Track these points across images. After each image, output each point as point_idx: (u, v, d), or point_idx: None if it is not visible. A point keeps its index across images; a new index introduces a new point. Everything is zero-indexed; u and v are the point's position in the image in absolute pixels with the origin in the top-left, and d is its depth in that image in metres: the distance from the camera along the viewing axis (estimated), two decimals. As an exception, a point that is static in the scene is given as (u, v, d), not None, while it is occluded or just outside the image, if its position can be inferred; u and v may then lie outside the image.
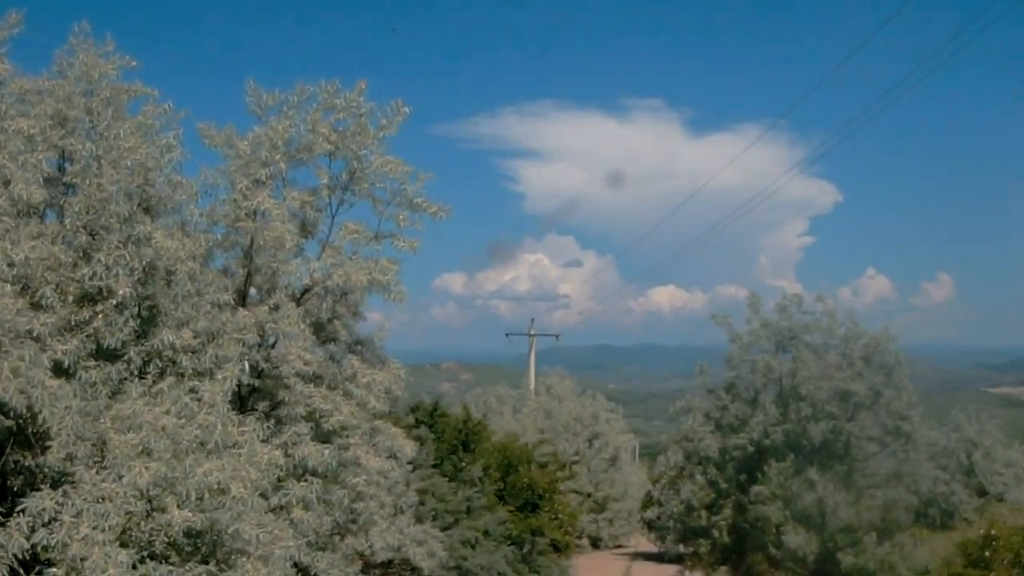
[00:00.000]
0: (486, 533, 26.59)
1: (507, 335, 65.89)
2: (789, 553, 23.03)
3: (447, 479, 25.98)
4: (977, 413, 42.53)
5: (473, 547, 24.95)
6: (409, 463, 19.69)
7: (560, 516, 33.17)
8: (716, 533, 24.71)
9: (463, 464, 27.65)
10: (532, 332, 65.14)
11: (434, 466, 25.94)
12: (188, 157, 12.60)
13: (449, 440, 28.92)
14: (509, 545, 26.76)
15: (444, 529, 22.41)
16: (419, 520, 20.45)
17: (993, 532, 23.27)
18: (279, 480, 11.74)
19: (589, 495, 48.92)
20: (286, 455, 11.95)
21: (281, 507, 11.90)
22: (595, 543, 49.63)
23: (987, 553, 22.96)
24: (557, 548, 31.84)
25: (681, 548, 39.03)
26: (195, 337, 11.17)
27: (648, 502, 44.51)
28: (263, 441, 11.09)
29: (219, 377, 10.76)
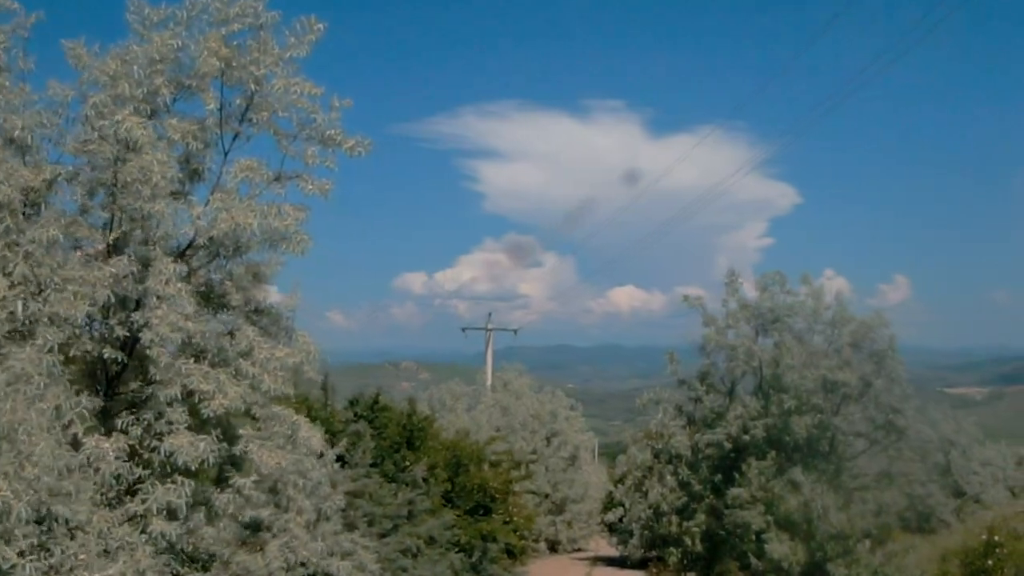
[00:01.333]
0: (431, 540, 23.85)
1: (463, 330, 63.06)
2: (772, 564, 20.13)
3: (387, 480, 22.89)
4: (953, 411, 40.13)
5: (415, 556, 22.18)
6: (340, 461, 17.81)
7: (515, 519, 30.58)
8: (688, 541, 21.81)
9: (407, 463, 24.86)
10: (489, 327, 62.43)
11: (373, 465, 22.81)
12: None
13: (392, 437, 26.19)
14: (457, 552, 24.11)
15: (382, 536, 19.99)
16: (349, 527, 17.71)
17: (996, 539, 20.60)
18: (137, 481, 8.95)
19: (547, 496, 45.94)
20: (148, 448, 9.13)
21: (141, 516, 9.02)
22: (553, 547, 46.57)
23: (990, 562, 20.30)
24: (512, 553, 29.25)
25: (643, 552, 36.55)
26: (12, 287, 8.23)
27: (609, 504, 41.47)
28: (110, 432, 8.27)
29: (38, 342, 7.86)
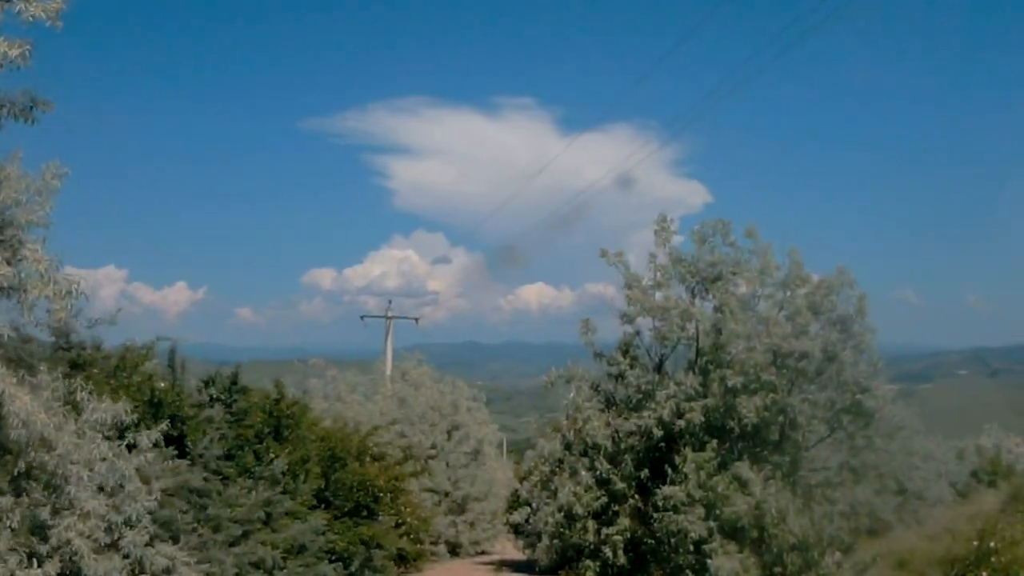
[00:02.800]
0: (301, 548, 19.22)
1: (362, 318, 58.52)
2: (717, 582, 15.51)
3: (246, 475, 18.69)
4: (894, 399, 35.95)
5: (270, 571, 17.69)
6: (181, 452, 15.75)
7: (409, 520, 26.43)
8: (608, 552, 16.94)
9: (273, 456, 20.21)
10: (389, 315, 57.92)
11: (228, 457, 18.82)
12: None
13: (255, 425, 21.35)
14: (332, 562, 20.23)
15: (231, 545, 16.34)
16: (175, 536, 13.43)
17: (992, 545, 16.22)
18: None
19: (447, 494, 41.15)
20: None
21: None
22: (454, 550, 41.62)
23: (984, 574, 15.93)
24: (404, 559, 25.80)
25: (555, 557, 31.98)
26: None
27: (515, 503, 36.48)
28: None
29: None
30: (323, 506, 21.68)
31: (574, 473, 17.52)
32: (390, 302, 58.58)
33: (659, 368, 17.72)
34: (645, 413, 16.52)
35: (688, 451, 16.62)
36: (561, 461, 17.86)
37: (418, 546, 30.23)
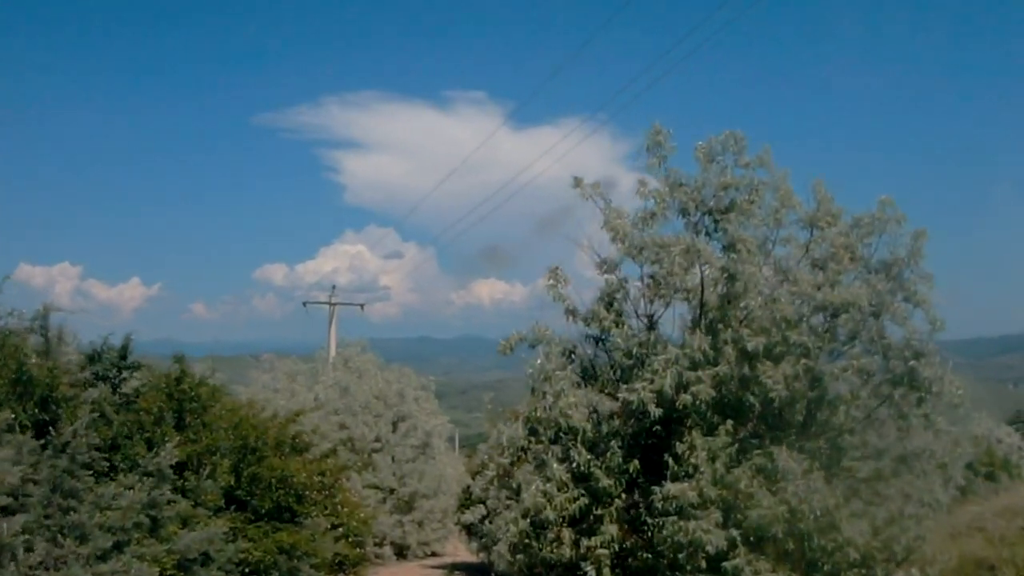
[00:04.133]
0: (205, 560, 15.07)
1: (305, 304, 54.41)
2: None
3: (124, 471, 14.67)
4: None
5: None
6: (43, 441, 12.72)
7: (346, 522, 22.30)
8: (591, 570, 12.32)
9: (164, 445, 15.95)
10: (333, 300, 53.44)
11: (113, 447, 15.22)
12: None
13: (152, 410, 17.10)
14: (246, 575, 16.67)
15: (99, 559, 12.76)
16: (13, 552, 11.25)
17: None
18: None
19: (392, 491, 36.74)
20: None
21: None
22: (401, 552, 37.15)
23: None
24: (342, 564, 22.14)
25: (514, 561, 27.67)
26: None
27: (467, 501, 31.94)
28: None
29: None
30: (234, 508, 17.52)
31: (542, 466, 12.97)
32: (334, 287, 54.34)
33: (652, 327, 13.22)
34: (637, 386, 11.98)
35: (696, 435, 12.18)
36: (524, 450, 13.29)
37: (358, 550, 25.97)
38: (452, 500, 37.87)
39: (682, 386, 12.22)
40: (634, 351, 12.57)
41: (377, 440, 37.34)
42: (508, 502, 13.31)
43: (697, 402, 12.21)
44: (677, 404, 12.32)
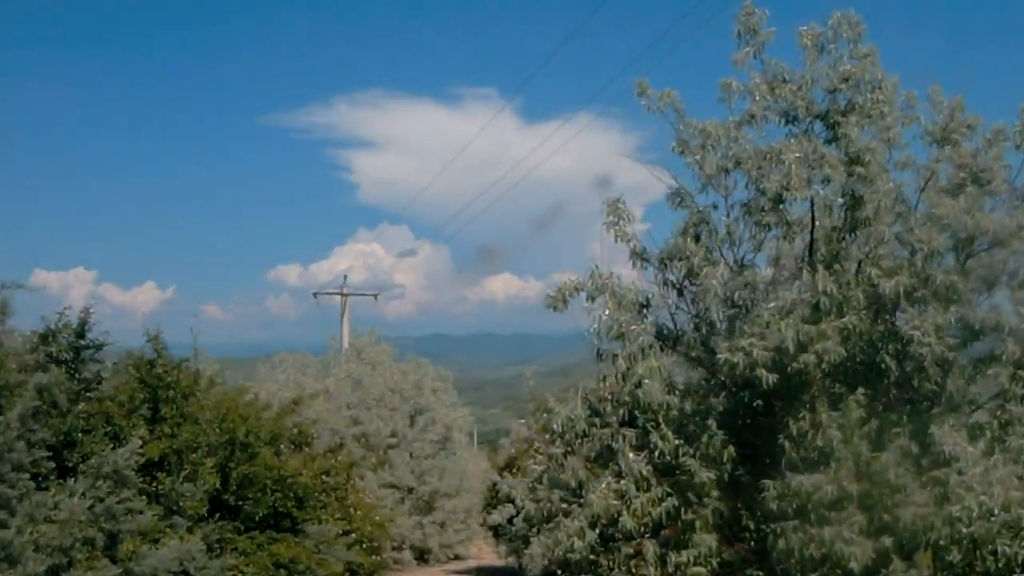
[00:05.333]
0: None
1: (315, 295, 51.34)
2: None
3: (84, 474, 12.02)
4: None
5: None
6: None
7: (359, 527, 20.15)
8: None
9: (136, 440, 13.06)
10: (345, 291, 50.26)
11: (68, 444, 12.91)
12: None
13: (120, 399, 14.46)
14: None
15: None
16: None
17: None
18: None
19: (411, 490, 33.51)
20: None
21: None
22: (421, 556, 33.93)
23: None
24: (356, 574, 19.33)
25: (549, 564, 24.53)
26: None
27: (493, 500, 28.72)
28: None
29: None
30: (220, 516, 14.74)
31: (606, 456, 9.67)
32: (345, 277, 51.07)
33: (741, 269, 9.87)
34: (744, 343, 8.68)
35: (822, 409, 8.86)
36: (583, 436, 9.93)
37: (374, 557, 22.93)
38: (476, 498, 34.73)
39: (801, 346, 8.86)
40: (736, 297, 9.18)
41: (393, 435, 34.12)
42: (565, 503, 9.91)
43: (823, 364, 8.87)
44: (792, 368, 8.97)
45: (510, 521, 27.05)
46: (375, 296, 52.22)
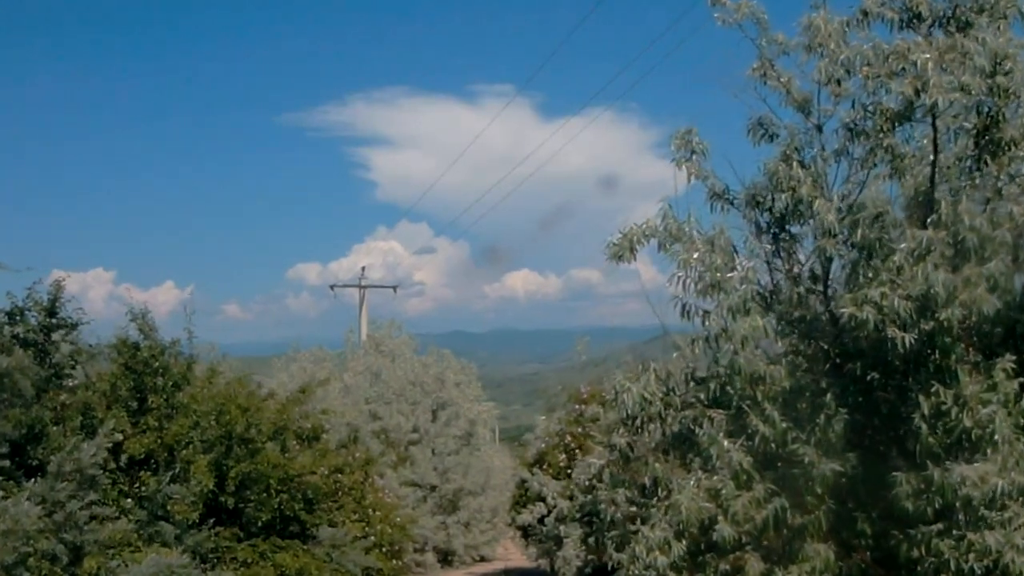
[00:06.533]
0: None
1: (332, 287, 50.02)
2: None
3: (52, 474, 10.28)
4: None
5: None
6: None
7: (379, 529, 18.72)
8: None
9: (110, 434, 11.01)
10: (362, 283, 48.59)
11: (34, 438, 11.51)
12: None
13: (99, 387, 13.07)
14: None
15: None
16: None
17: None
18: None
19: (433, 488, 31.59)
20: None
21: None
22: (445, 558, 32.05)
23: None
24: None
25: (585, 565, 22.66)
26: None
27: (522, 499, 26.69)
28: None
29: None
30: (216, 520, 13.03)
31: (690, 446, 7.59)
32: (363, 269, 49.39)
33: (850, 210, 7.79)
34: (874, 292, 6.61)
35: (967, 379, 6.80)
36: (658, 420, 7.84)
37: (395, 561, 21.08)
38: (502, 496, 32.76)
39: (945, 300, 6.79)
40: (865, 240, 7.08)
41: (415, 431, 32.28)
42: (644, 506, 7.78)
43: (970, 320, 6.81)
44: (923, 329, 6.90)
45: (541, 521, 25.09)
46: (394, 289, 50.51)
